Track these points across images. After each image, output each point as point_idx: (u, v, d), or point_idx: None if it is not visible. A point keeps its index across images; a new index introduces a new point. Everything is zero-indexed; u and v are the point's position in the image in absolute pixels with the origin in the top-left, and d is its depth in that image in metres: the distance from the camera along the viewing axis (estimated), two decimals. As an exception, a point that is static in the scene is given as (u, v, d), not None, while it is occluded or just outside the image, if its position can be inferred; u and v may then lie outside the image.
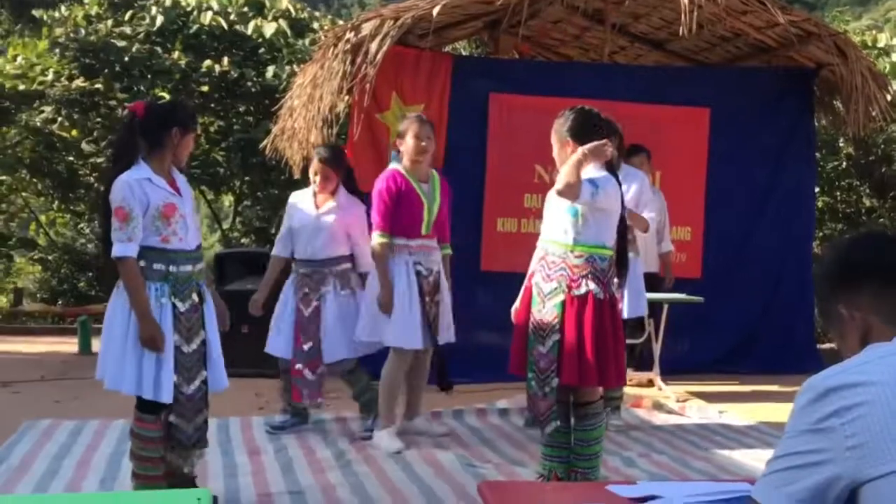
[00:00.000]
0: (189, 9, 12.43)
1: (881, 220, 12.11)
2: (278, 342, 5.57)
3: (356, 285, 5.56)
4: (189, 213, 3.94)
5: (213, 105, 12.54)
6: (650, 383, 7.23)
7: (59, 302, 14.48)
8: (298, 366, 5.47)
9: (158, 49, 12.19)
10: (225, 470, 4.76)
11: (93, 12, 12.73)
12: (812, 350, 8.32)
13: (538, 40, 9.40)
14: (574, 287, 4.09)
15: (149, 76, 11.97)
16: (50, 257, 15.37)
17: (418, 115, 5.65)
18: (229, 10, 12.46)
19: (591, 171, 4.13)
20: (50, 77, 12.17)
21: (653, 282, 6.65)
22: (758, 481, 1.63)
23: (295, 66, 11.23)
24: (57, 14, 12.81)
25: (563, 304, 4.09)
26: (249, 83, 12.12)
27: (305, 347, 5.47)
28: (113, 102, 12.21)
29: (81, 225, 15.74)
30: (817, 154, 9.86)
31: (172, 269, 3.84)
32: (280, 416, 5.75)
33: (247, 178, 13.46)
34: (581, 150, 4.02)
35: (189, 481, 4.02)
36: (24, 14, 15.09)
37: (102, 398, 6.54)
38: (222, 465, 4.87)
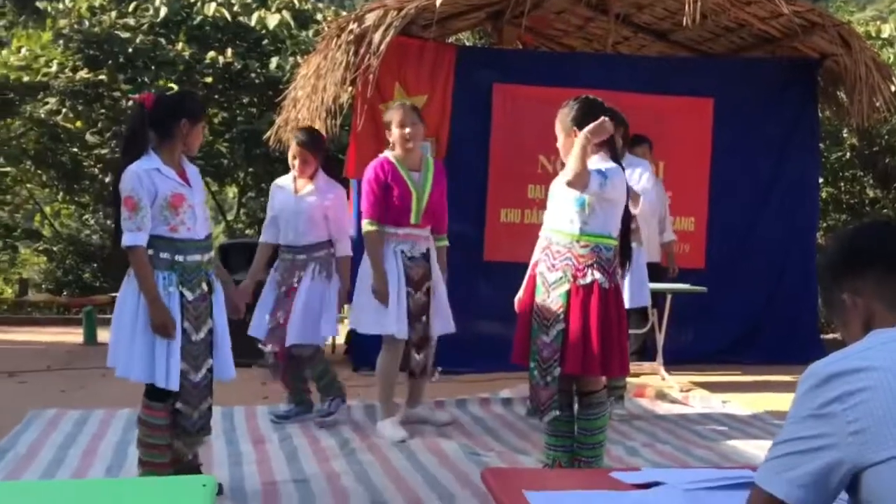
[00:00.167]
0: (192, 0, 12.44)
1: (885, 210, 12.11)
2: (260, 326, 5.59)
3: (335, 271, 5.52)
4: (198, 204, 3.96)
5: (216, 96, 12.56)
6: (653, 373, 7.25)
7: (65, 293, 14.52)
8: (269, 346, 5.49)
9: (162, 40, 12.21)
10: (230, 458, 4.78)
11: (97, 3, 12.75)
12: (816, 340, 8.32)
13: (541, 31, 9.39)
14: (579, 276, 4.10)
15: (153, 67, 11.99)
16: (55, 248, 15.41)
17: (401, 103, 5.63)
18: (233, 1, 12.46)
19: (599, 161, 4.13)
20: (54, 68, 12.19)
21: (655, 272, 6.66)
22: (760, 467, 1.65)
23: (298, 57, 11.25)
24: (61, 5, 12.83)
25: (569, 293, 4.10)
26: (253, 74, 12.14)
27: (271, 326, 5.48)
28: (117, 94, 12.24)
29: (86, 216, 15.79)
30: (821, 145, 9.85)
31: (180, 258, 3.87)
32: (284, 406, 5.77)
33: (251, 170, 13.50)
34: (583, 133, 4.02)
35: (194, 469, 4.05)
36: (28, 5, 15.10)
37: (108, 388, 6.59)
38: (227, 453, 4.89)
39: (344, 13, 10.60)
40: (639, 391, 6.63)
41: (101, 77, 11.94)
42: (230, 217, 15.53)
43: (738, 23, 8.30)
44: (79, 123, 12.76)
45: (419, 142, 5.39)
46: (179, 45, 12.10)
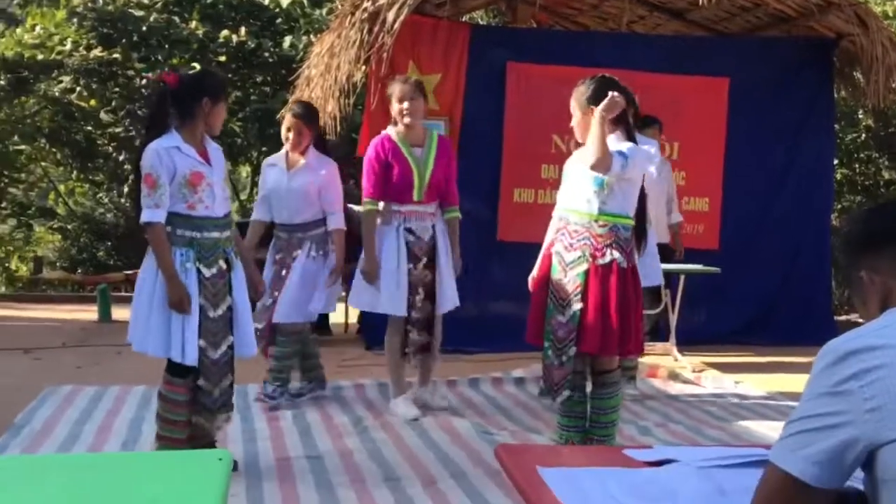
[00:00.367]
0: (206, -22, 12.43)
1: (900, 192, 12.05)
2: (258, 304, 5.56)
3: (330, 249, 5.48)
4: (217, 182, 3.98)
5: (230, 75, 12.55)
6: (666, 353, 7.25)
7: (79, 270, 14.59)
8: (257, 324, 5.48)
9: (176, 18, 12.20)
10: (244, 435, 4.81)
11: (110, -19, 12.74)
12: (829, 322, 8.29)
13: (556, 9, 9.34)
14: (598, 256, 4.09)
15: (166, 46, 11.99)
16: (69, 226, 15.48)
17: (401, 77, 5.53)
18: (246, -21, 12.45)
19: (616, 141, 4.11)
20: (68, 47, 12.20)
21: (664, 252, 6.64)
22: (775, 444, 1.65)
23: (312, 36, 11.23)
24: (75, -17, 12.82)
25: (587, 273, 4.08)
26: (266, 53, 12.13)
27: (266, 304, 5.44)
28: (131, 72, 12.25)
29: (100, 194, 15.84)
30: (836, 125, 9.79)
31: (197, 235, 3.90)
32: (297, 383, 5.79)
33: (264, 149, 13.49)
34: (598, 113, 4.00)
35: (210, 446, 4.07)
36: (42, -17, 15.10)
37: (123, 364, 6.64)
38: (241, 430, 4.92)
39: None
40: (651, 371, 6.63)
41: (115, 55, 11.95)
42: (244, 196, 15.55)
43: (754, 2, 8.24)
44: (93, 102, 12.78)
45: (419, 117, 5.26)
46: (193, 24, 12.09)
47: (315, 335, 5.90)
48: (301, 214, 5.45)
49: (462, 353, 7.15)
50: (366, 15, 7.17)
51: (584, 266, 4.09)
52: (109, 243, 15.04)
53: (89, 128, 13.40)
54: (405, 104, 5.20)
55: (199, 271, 3.88)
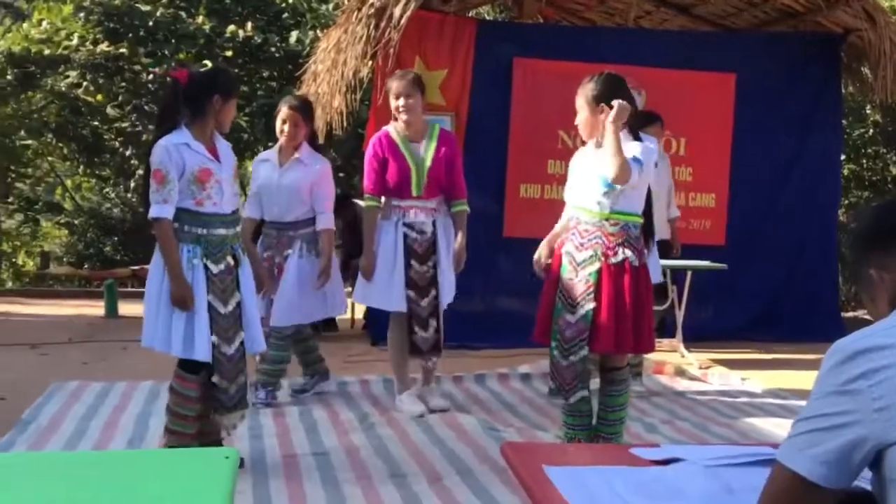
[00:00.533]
0: (213, -27, 12.43)
1: (908, 187, 12.01)
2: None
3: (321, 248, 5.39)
4: (226, 179, 3.99)
5: (236, 70, 12.55)
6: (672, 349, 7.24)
7: (86, 266, 14.62)
8: None
9: (182, 13, 12.19)
10: (250, 431, 4.81)
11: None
12: (836, 318, 8.28)
13: (562, 5, 9.32)
14: (611, 255, 4.07)
15: (173, 41, 11.98)
16: (76, 221, 15.52)
17: (399, 72, 5.52)
18: (253, -26, 12.44)
19: (625, 141, 4.07)
20: (75, 41, 12.21)
21: (663, 249, 6.62)
22: (783, 443, 1.64)
23: (318, 31, 11.22)
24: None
25: (599, 272, 4.06)
26: (273, 48, 12.12)
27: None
28: (137, 67, 12.25)
29: (107, 189, 15.87)
30: (844, 121, 9.76)
31: (204, 231, 3.91)
32: (301, 378, 5.77)
33: (270, 144, 13.47)
34: (609, 124, 3.97)
35: (217, 444, 4.07)
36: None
37: (129, 360, 6.66)
38: (248, 426, 4.90)
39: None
40: (658, 368, 6.63)
41: (122, 50, 11.95)
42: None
43: (761, -3, 8.22)
44: (99, 97, 12.79)
45: (415, 113, 5.22)
46: (200, 19, 12.08)
47: (309, 329, 5.82)
48: (292, 212, 5.36)
49: (468, 348, 7.16)
50: (372, 10, 7.17)
51: (597, 265, 4.07)
52: (116, 238, 15.07)
53: (96, 123, 13.41)
54: (400, 101, 5.19)
55: (206, 268, 3.89)
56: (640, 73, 7.60)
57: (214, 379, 3.92)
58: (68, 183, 16.25)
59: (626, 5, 8.72)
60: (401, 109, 5.19)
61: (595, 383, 4.33)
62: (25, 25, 12.89)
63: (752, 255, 8.10)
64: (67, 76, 12.56)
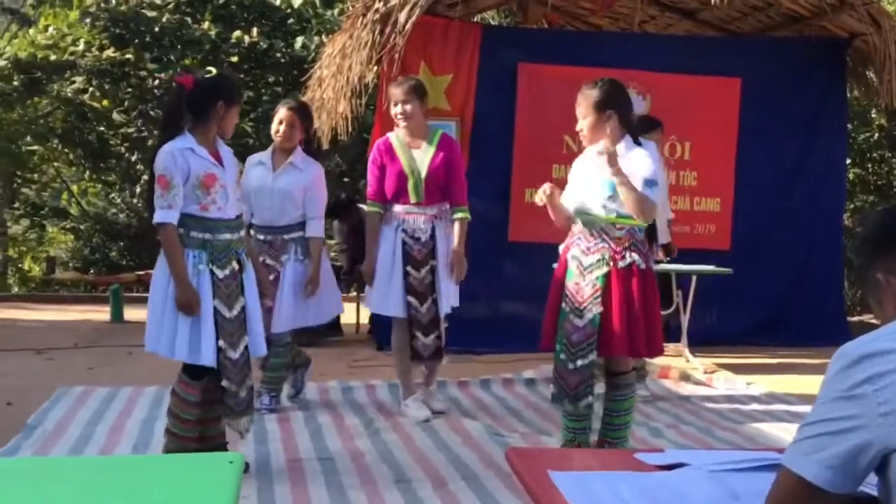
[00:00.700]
0: (218, -21, 12.47)
1: (913, 192, 12.00)
2: None
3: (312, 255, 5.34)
4: (230, 184, 3.99)
5: (242, 76, 12.58)
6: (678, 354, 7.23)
7: (91, 271, 14.64)
8: None
9: (188, 19, 12.23)
10: (255, 436, 4.80)
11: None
12: (842, 323, 8.26)
13: (567, 9, 9.33)
14: (618, 259, 4.07)
15: (178, 46, 12.02)
16: (82, 227, 15.54)
17: (399, 79, 5.52)
18: (258, -20, 12.48)
19: (626, 149, 4.07)
20: (81, 47, 12.25)
21: (666, 252, 6.60)
22: (788, 448, 1.64)
23: (324, 37, 11.25)
24: (87, -16, 12.87)
25: (607, 276, 4.06)
26: (278, 54, 12.15)
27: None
28: (143, 73, 12.28)
29: (113, 195, 15.89)
30: (849, 125, 9.75)
31: (209, 236, 3.91)
32: (287, 384, 5.64)
33: (274, 148, 13.52)
34: (616, 175, 3.95)
35: (222, 448, 4.07)
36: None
37: (135, 365, 6.66)
38: (252, 431, 4.89)
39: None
40: (663, 372, 6.62)
41: (128, 56, 12.00)
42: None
43: (766, 2, 8.22)
44: (105, 102, 12.83)
45: (414, 119, 5.20)
46: (205, 24, 12.12)
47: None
48: (285, 216, 5.29)
49: (473, 353, 7.16)
50: (377, 16, 7.18)
51: (605, 269, 4.06)
52: (122, 244, 15.09)
53: (102, 128, 13.45)
54: (398, 108, 5.20)
55: (212, 273, 3.90)
56: (645, 78, 7.60)
57: (224, 383, 3.92)
58: (74, 188, 16.28)
59: (631, 10, 8.72)
60: (399, 116, 5.21)
61: (600, 388, 4.33)
62: (32, 31, 12.96)
63: (758, 259, 8.09)
64: (73, 82, 12.60)
